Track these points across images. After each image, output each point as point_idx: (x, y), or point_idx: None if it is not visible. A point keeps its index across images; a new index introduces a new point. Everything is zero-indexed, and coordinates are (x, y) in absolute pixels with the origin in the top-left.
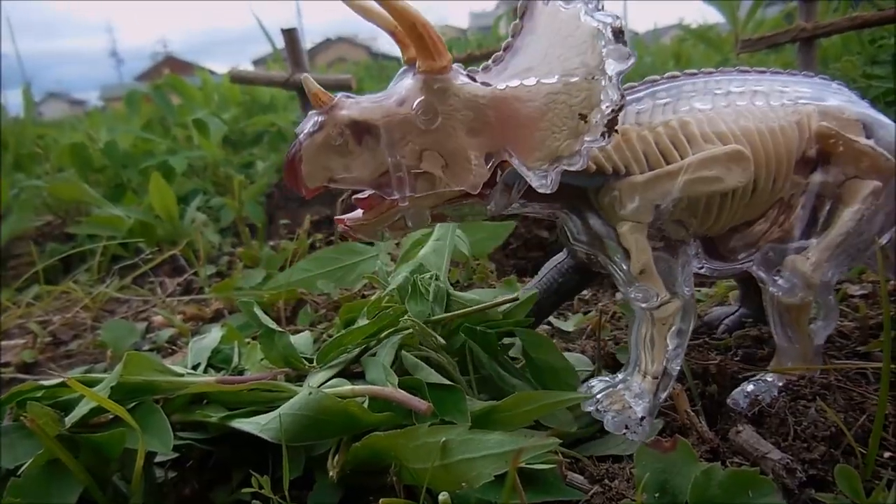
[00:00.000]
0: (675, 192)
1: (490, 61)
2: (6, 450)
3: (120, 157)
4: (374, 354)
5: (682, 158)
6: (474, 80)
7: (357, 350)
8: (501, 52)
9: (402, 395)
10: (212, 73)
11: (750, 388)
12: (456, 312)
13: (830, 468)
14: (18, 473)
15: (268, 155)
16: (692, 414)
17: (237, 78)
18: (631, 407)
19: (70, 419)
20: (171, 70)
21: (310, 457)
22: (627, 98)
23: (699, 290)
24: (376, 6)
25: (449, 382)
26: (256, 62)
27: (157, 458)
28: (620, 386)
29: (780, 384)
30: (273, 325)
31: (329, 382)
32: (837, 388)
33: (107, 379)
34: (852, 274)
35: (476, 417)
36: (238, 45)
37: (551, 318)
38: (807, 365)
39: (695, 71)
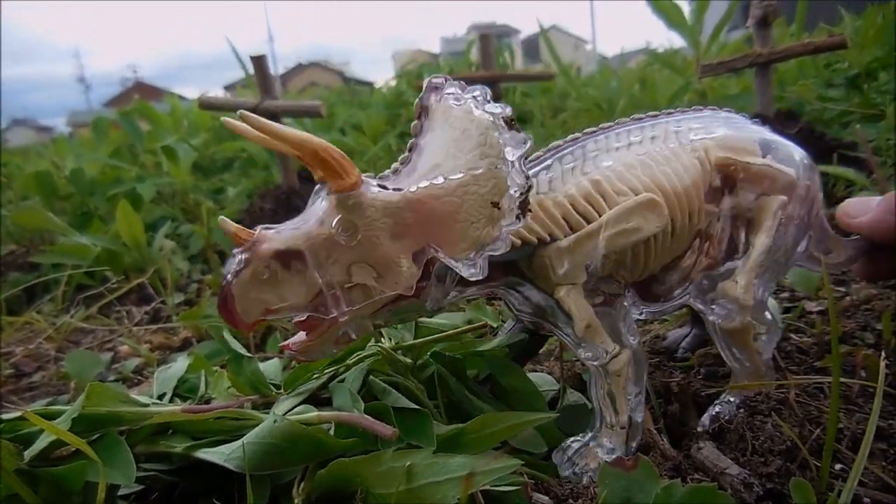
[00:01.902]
0: (600, 249)
1: (398, 163)
2: None
3: (87, 184)
4: (342, 380)
5: (599, 216)
6: (386, 188)
7: (325, 376)
8: (407, 153)
9: (368, 420)
10: (182, 98)
11: (716, 410)
12: (425, 339)
13: (786, 481)
14: None
15: (238, 181)
16: (654, 432)
17: (206, 105)
18: (605, 462)
19: (29, 453)
20: (140, 96)
21: (276, 485)
22: (537, 168)
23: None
24: (283, 130)
25: (416, 407)
26: (228, 87)
27: (121, 491)
28: (592, 444)
29: (739, 401)
30: (242, 351)
31: (295, 409)
32: (796, 403)
33: (68, 411)
34: (809, 290)
35: (442, 441)
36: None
37: None
38: (761, 381)
39: (593, 129)
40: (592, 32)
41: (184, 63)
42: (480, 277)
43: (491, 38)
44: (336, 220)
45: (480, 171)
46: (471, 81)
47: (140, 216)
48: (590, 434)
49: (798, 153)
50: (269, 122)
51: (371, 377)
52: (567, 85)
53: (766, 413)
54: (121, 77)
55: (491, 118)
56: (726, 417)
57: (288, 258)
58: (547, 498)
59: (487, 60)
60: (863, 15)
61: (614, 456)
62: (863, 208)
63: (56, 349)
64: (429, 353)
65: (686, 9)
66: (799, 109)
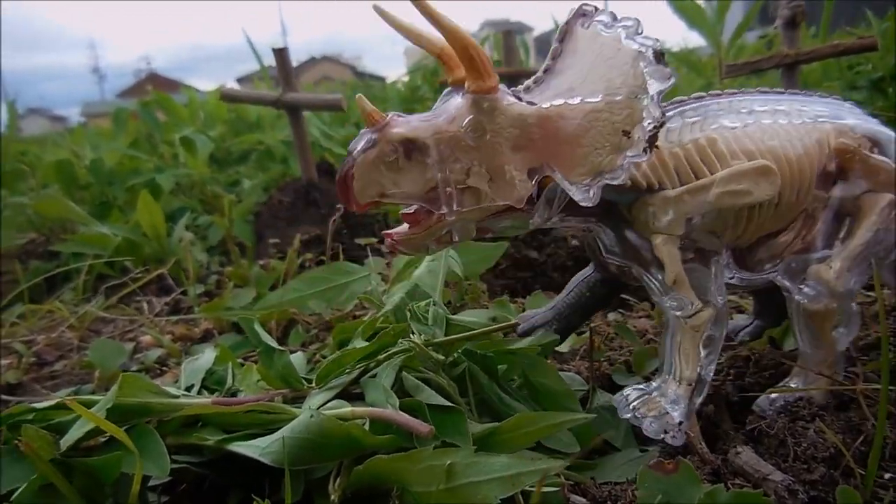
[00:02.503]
0: (706, 205)
1: (531, 82)
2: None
3: (106, 174)
4: (373, 376)
5: (711, 174)
6: (520, 99)
7: (357, 371)
8: (541, 73)
9: (404, 417)
10: (196, 90)
11: (774, 395)
12: (457, 336)
13: (831, 489)
14: (12, 499)
15: (255, 173)
16: (693, 435)
17: (227, 96)
18: (668, 412)
19: (65, 442)
20: (153, 87)
21: (309, 480)
22: None
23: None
24: (424, 31)
25: (449, 404)
26: (241, 80)
27: (150, 482)
28: (655, 393)
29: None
30: (273, 343)
31: (329, 404)
32: (835, 409)
33: (103, 400)
34: None
35: (477, 439)
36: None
37: None
38: (830, 371)
39: (719, 92)
40: None
41: (197, 55)
42: (591, 205)
43: (513, 35)
44: (467, 119)
45: (619, 98)
46: None
47: (160, 207)
48: (653, 383)
49: None
50: (435, 10)
51: (403, 373)
52: None
53: (809, 419)
54: (134, 68)
55: (640, 48)
56: (781, 403)
57: (413, 147)
58: (584, 499)
59: (510, 56)
60: (887, 17)
61: (677, 407)
62: None
63: (78, 338)
64: (460, 351)
65: (705, 8)
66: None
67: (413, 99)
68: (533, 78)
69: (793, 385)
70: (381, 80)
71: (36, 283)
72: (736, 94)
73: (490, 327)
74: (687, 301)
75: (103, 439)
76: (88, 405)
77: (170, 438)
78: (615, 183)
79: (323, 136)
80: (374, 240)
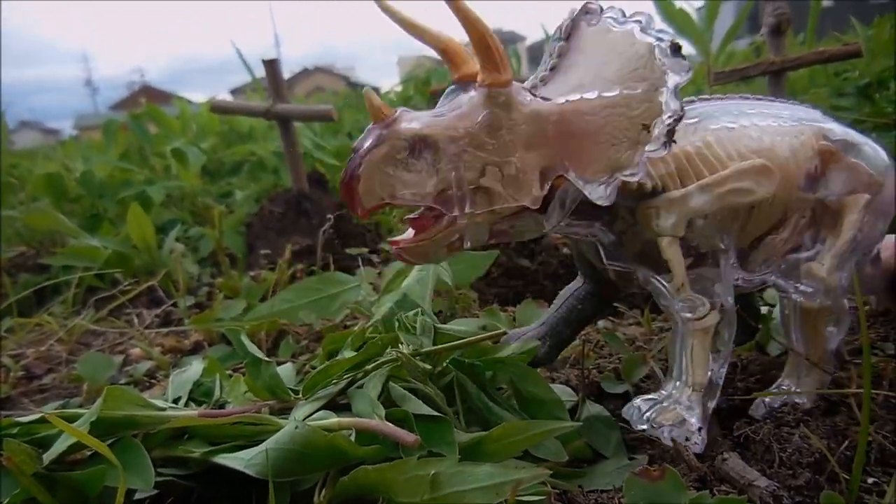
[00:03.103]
0: (710, 206)
1: (538, 80)
2: None
3: (96, 186)
4: (360, 386)
5: (711, 175)
6: (535, 95)
7: (344, 381)
8: (547, 72)
9: (390, 427)
10: (189, 102)
11: (768, 399)
12: (445, 345)
13: (816, 495)
14: None
15: (247, 185)
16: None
17: (217, 108)
18: (686, 419)
19: (48, 456)
20: (147, 99)
21: (295, 491)
22: None
23: None
24: (426, 25)
25: (437, 413)
26: (234, 91)
27: (137, 496)
28: (667, 401)
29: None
30: (260, 354)
31: (315, 415)
32: (822, 414)
33: (86, 414)
34: None
35: (464, 448)
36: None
37: None
38: (822, 366)
39: (707, 97)
40: None
41: (189, 67)
42: (608, 203)
43: (503, 44)
44: (484, 114)
45: (637, 92)
46: None
47: (150, 219)
48: (664, 391)
49: (885, 156)
50: None
51: (390, 383)
52: None
53: (794, 424)
54: (127, 81)
55: (655, 41)
56: (777, 405)
57: (423, 144)
58: None
59: None
60: (873, 24)
61: (693, 413)
62: (887, 244)
63: (67, 351)
64: (448, 360)
65: (694, 16)
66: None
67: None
68: (539, 76)
69: (784, 386)
70: (375, 90)
71: (25, 297)
72: (723, 98)
73: (477, 336)
74: (699, 302)
75: (88, 453)
76: (74, 419)
77: (156, 451)
78: (634, 179)
79: (314, 147)
80: (364, 250)
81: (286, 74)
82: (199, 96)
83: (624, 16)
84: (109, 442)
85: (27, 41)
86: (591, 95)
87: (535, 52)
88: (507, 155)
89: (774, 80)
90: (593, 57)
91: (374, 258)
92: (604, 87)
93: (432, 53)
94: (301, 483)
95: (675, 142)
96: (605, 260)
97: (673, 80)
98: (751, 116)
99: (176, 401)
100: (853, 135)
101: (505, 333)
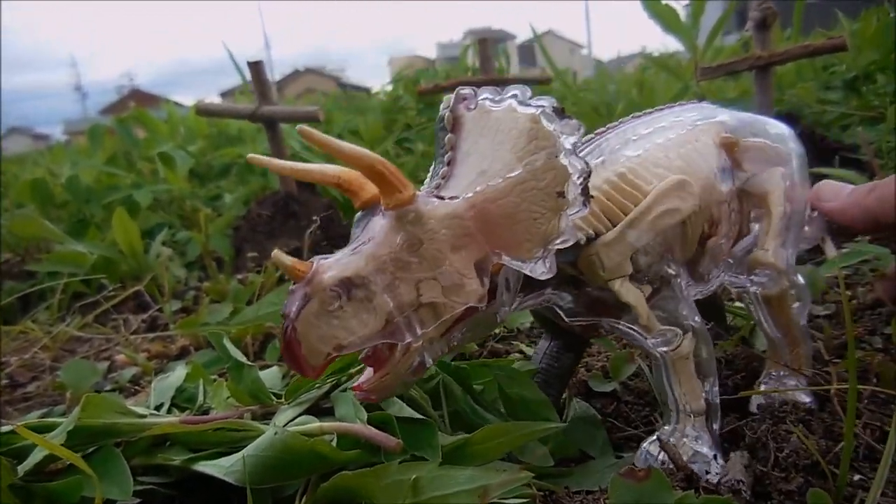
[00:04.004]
0: (645, 236)
1: (440, 178)
2: None
3: (83, 192)
4: (344, 390)
5: (635, 206)
6: (442, 197)
7: (328, 385)
8: (445, 167)
9: (371, 431)
10: (179, 105)
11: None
12: None
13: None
14: None
15: (235, 187)
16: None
17: (203, 111)
18: (698, 451)
19: (23, 468)
20: (137, 103)
21: (276, 498)
22: None
23: None
24: (312, 166)
25: (421, 417)
26: (224, 94)
27: None
28: (674, 437)
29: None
30: (242, 359)
31: (297, 420)
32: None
33: (63, 423)
34: (816, 295)
35: (447, 452)
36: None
37: (524, 348)
38: (801, 348)
39: (603, 129)
40: (588, 37)
41: (180, 70)
42: (551, 275)
43: (489, 43)
44: (399, 236)
45: (538, 164)
46: (469, 85)
47: (137, 223)
48: (666, 429)
49: (783, 128)
50: (328, 137)
51: None
52: (564, 90)
53: (795, 423)
54: (117, 85)
55: (538, 110)
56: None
57: (353, 285)
58: None
59: (486, 64)
60: (859, 18)
61: (703, 443)
62: (833, 194)
63: (52, 359)
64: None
65: (681, 12)
66: (798, 112)
67: (395, 109)
68: (440, 173)
69: (772, 375)
70: (366, 90)
71: (10, 304)
72: (619, 124)
73: None
74: (671, 333)
75: (67, 463)
76: (52, 428)
77: (136, 459)
78: (568, 244)
79: (302, 149)
80: None
81: (276, 76)
82: (189, 99)
83: (498, 94)
84: (88, 451)
85: (16, 47)
86: (496, 181)
87: (525, 51)
88: (437, 265)
89: (761, 74)
90: (483, 141)
91: None
92: (505, 168)
93: (424, 54)
94: (283, 489)
95: (592, 197)
96: (565, 319)
97: (569, 140)
98: (650, 137)
99: (158, 407)
100: (746, 117)
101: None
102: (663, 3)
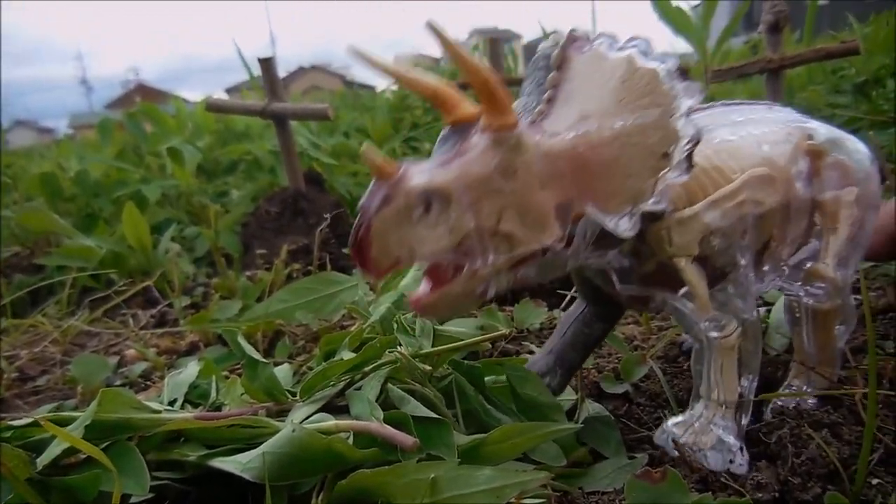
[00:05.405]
0: (722, 220)
1: (535, 115)
2: None
3: (91, 186)
4: (359, 388)
5: (716, 189)
6: (542, 131)
7: (342, 383)
8: (544, 104)
9: (388, 430)
10: (184, 101)
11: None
12: (444, 347)
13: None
14: None
15: (243, 184)
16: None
17: (213, 107)
18: (724, 440)
19: (41, 461)
20: (142, 98)
21: (292, 495)
22: None
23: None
24: (410, 73)
25: (436, 416)
26: (230, 90)
27: (132, 500)
28: (701, 421)
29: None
30: (257, 356)
31: (312, 417)
32: (824, 414)
33: (81, 417)
34: None
35: (463, 452)
36: (211, 74)
37: (534, 348)
38: (831, 368)
39: (698, 106)
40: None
41: (185, 66)
42: (631, 234)
43: (500, 43)
44: (495, 159)
45: (649, 120)
46: None
47: (145, 218)
48: (694, 412)
49: (865, 151)
50: (452, 42)
51: (389, 385)
52: None
53: (815, 428)
54: (122, 79)
55: (662, 66)
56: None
57: (435, 197)
58: None
59: (496, 63)
60: (870, 22)
61: (730, 432)
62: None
63: (62, 353)
64: (447, 362)
65: (690, 14)
66: (808, 115)
67: (401, 107)
68: (537, 109)
69: (794, 386)
70: (371, 88)
71: (19, 297)
72: (713, 106)
73: (476, 338)
74: (724, 319)
75: (83, 457)
76: (68, 422)
77: (151, 454)
78: (658, 208)
79: (310, 146)
80: None
81: (282, 73)
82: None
83: (616, 41)
84: (104, 445)
85: (22, 40)
86: (601, 127)
87: (532, 51)
88: (524, 197)
89: (772, 77)
90: (591, 86)
91: None
92: (611, 117)
93: (430, 53)
94: (298, 486)
95: (694, 165)
96: (618, 286)
97: (685, 103)
98: (744, 125)
99: (171, 403)
100: (835, 132)
101: (504, 336)
102: (674, 4)
